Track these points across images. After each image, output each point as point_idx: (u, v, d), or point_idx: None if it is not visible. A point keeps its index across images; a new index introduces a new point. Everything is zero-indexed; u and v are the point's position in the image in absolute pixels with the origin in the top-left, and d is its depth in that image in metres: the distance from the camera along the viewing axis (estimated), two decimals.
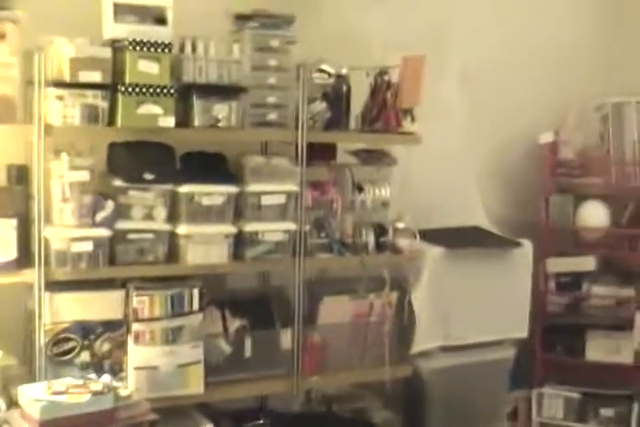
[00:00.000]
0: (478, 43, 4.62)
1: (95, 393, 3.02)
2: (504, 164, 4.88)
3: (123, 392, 3.15)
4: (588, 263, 4.89)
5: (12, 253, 3.31)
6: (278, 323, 3.88)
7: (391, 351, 4.03)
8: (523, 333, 4.48)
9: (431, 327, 4.17)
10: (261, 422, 3.96)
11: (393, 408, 4.24)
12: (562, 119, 4.90)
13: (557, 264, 4.90)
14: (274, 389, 3.92)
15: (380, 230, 4.02)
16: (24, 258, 3.36)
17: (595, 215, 4.93)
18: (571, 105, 4.91)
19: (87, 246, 3.40)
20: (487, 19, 4.68)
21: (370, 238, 3.99)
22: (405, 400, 4.25)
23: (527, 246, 4.45)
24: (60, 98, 3.30)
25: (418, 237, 4.08)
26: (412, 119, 4.00)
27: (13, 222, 3.31)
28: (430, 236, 4.17)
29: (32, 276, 3.35)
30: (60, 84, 3.30)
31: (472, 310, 4.25)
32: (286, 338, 3.86)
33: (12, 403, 3.11)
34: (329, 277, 4.11)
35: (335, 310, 3.97)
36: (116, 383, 3.17)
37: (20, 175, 3.46)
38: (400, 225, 4.05)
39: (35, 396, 2.97)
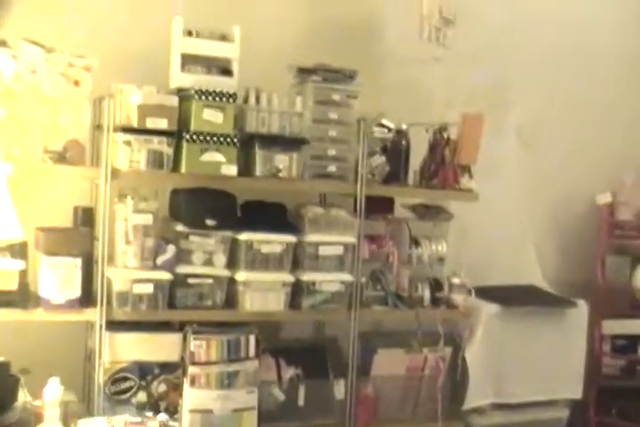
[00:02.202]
0: (536, 100, 4.60)
1: None
2: (561, 223, 4.82)
3: None
4: None
5: (75, 291, 3.32)
6: (332, 373, 3.84)
7: (443, 406, 3.98)
8: (577, 394, 4.37)
9: (484, 384, 4.10)
10: None
11: None
12: (620, 180, 4.84)
13: (613, 326, 4.80)
14: None
15: (436, 285, 4.00)
16: (86, 297, 3.38)
17: None
18: (629, 165, 4.87)
19: (148, 288, 3.42)
20: (546, 76, 4.66)
21: (425, 293, 3.97)
22: None
23: (583, 307, 4.36)
24: (128, 143, 3.35)
25: (473, 293, 4.06)
26: (470, 176, 4.00)
27: (78, 262, 3.33)
28: (485, 292, 4.14)
29: (94, 315, 3.36)
30: (127, 129, 3.36)
31: (526, 369, 4.18)
32: (339, 388, 3.81)
33: None
34: (384, 329, 4.07)
35: (389, 363, 3.92)
36: (172, 423, 3.15)
37: (86, 217, 3.50)
38: (456, 281, 4.02)
39: None
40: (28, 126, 3.25)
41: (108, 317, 3.38)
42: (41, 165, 3.28)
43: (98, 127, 3.42)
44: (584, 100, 4.77)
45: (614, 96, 4.89)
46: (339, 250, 3.74)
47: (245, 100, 3.57)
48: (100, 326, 3.37)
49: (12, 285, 3.26)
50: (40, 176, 3.38)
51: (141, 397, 3.44)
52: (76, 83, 3.31)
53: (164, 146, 3.40)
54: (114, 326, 3.40)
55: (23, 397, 3.22)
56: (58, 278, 3.30)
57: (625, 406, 4.81)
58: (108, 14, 3.71)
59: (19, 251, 3.27)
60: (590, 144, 4.79)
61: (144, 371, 3.45)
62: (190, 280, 3.52)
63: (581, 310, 4.37)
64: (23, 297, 3.31)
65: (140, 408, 3.40)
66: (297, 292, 3.69)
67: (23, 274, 3.31)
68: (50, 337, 3.43)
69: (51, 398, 3.17)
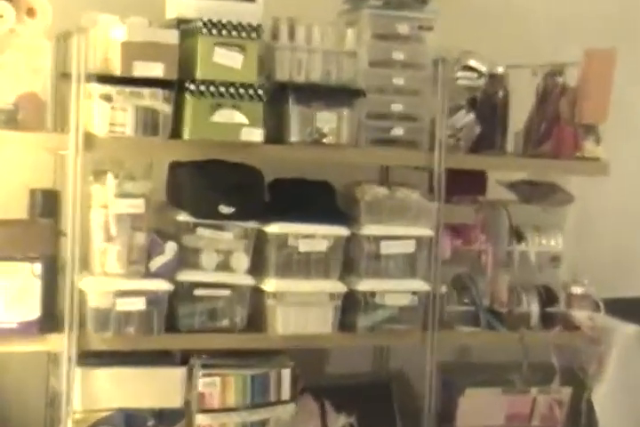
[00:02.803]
0: None
1: None
2: None
3: None
4: None
5: (33, 311, 3.30)
6: (400, 423, 3.86)
7: None
8: None
9: None
10: None
11: None
12: None
13: None
14: None
15: (548, 296, 4.01)
16: (49, 319, 3.35)
17: None
18: None
19: (138, 304, 3.39)
20: None
21: (533, 307, 3.98)
22: None
23: None
24: (107, 98, 3.31)
25: (602, 308, 4.00)
26: (598, 140, 3.95)
27: (37, 269, 3.30)
28: (622, 307, 4.03)
29: (60, 343, 3.34)
30: (106, 78, 3.32)
31: None
32: None
33: None
34: (473, 359, 4.11)
35: (481, 408, 3.93)
36: None
37: (48, 204, 3.47)
38: (576, 290, 4.00)
39: None
40: None
41: (80, 346, 3.36)
42: None
43: (63, 76, 3.39)
44: None
45: None
46: (409, 247, 3.72)
47: (274, 36, 3.56)
48: (69, 359, 3.34)
49: None
50: None
51: None
52: (31, 12, 3.28)
53: (159, 102, 3.37)
54: (89, 358, 3.40)
55: None
56: (8, 292, 3.28)
57: None
58: None
59: None
60: None
61: (132, 423, 3.42)
62: (198, 292, 3.51)
63: None
64: None
65: None
66: (350, 307, 3.67)
67: None
68: None
69: None
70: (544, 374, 3.91)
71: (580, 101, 3.89)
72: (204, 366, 3.47)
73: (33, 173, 3.54)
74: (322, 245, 3.59)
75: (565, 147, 3.92)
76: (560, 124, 3.93)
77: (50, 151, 3.48)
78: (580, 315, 3.94)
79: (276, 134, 3.52)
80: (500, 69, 3.86)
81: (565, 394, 4.00)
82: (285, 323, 3.56)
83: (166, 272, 3.42)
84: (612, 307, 3.99)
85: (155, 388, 3.45)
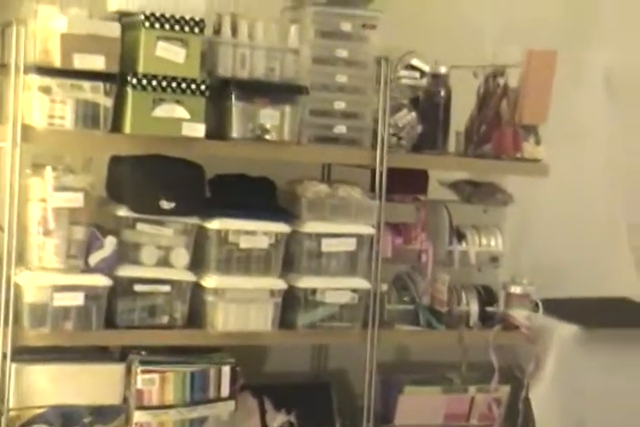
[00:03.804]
0: (632, 39, 4.51)
1: None
2: None
3: None
4: None
5: None
6: (339, 421, 3.82)
7: None
8: None
9: None
10: None
11: None
12: None
13: None
14: None
15: (488, 296, 3.95)
16: None
17: None
18: None
19: (76, 299, 3.31)
20: None
21: (472, 307, 3.92)
22: None
23: None
24: (46, 90, 3.22)
25: (541, 307, 3.98)
26: (537, 141, 3.91)
27: None
28: (559, 308, 4.07)
29: None
30: (45, 70, 3.23)
31: (617, 415, 4.05)
32: None
33: None
34: (413, 359, 4.10)
35: (420, 407, 3.89)
36: None
37: None
38: (515, 290, 3.95)
39: None
40: None
41: (15, 342, 3.27)
42: None
43: (1, 67, 3.31)
44: None
45: None
46: (350, 245, 3.66)
47: (217, 31, 3.51)
48: (4, 356, 3.27)
49: None
50: None
51: None
52: None
53: (99, 95, 3.28)
54: (24, 354, 3.32)
55: None
56: None
57: None
58: None
59: None
60: None
61: (69, 420, 3.36)
62: (138, 287, 3.44)
63: None
64: None
65: None
66: (290, 304, 3.61)
67: None
68: None
69: None
70: (483, 373, 3.88)
71: (521, 102, 3.85)
72: (143, 363, 3.41)
73: None
74: (263, 242, 3.52)
75: (506, 147, 3.86)
76: (501, 124, 3.88)
77: None
78: (519, 315, 3.91)
79: (218, 130, 3.46)
80: (443, 69, 3.82)
81: (503, 393, 3.97)
82: (225, 320, 3.49)
83: (105, 267, 3.34)
84: (550, 307, 4.00)
85: (92, 384, 3.38)
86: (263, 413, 3.67)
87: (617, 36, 4.48)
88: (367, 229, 3.64)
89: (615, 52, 4.49)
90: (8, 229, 3.25)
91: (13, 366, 3.26)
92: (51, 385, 3.33)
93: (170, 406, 3.41)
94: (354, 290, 3.64)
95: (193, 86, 3.33)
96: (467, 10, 4.14)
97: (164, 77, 3.30)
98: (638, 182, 4.62)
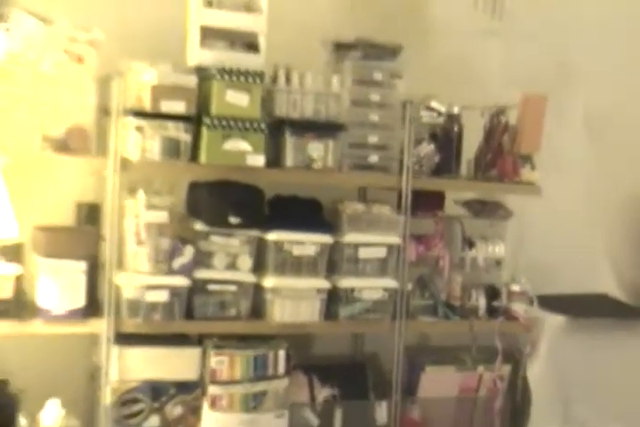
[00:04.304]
0: (608, 83, 4.47)
1: None
2: (637, 221, 4.67)
3: None
4: None
5: (79, 300, 3.26)
6: (373, 394, 3.79)
7: None
8: None
9: (549, 408, 3.99)
10: None
11: None
12: None
13: None
14: None
15: (493, 293, 3.94)
16: (92, 307, 3.31)
17: None
18: None
19: (162, 296, 3.36)
20: (619, 57, 4.52)
21: (481, 302, 3.91)
22: None
23: None
24: (139, 129, 3.28)
25: (535, 302, 3.97)
26: (532, 167, 3.92)
27: (82, 266, 3.27)
28: (550, 302, 4.03)
29: (100, 327, 3.30)
30: (139, 113, 3.28)
31: (598, 391, 4.04)
32: (382, 412, 3.74)
33: None
34: (432, 344, 4.04)
35: (438, 383, 3.86)
36: None
37: (91, 214, 3.44)
38: (515, 288, 3.95)
39: None
40: (25, 110, 3.17)
41: (116, 329, 3.32)
42: (40, 154, 3.22)
43: (105, 111, 3.34)
44: None
45: None
46: (381, 252, 3.68)
47: (274, 80, 3.51)
48: (108, 340, 3.31)
49: (6, 292, 3.20)
50: (38, 167, 3.32)
51: (154, 421, 3.38)
52: (80, 59, 3.24)
53: (181, 132, 3.33)
54: (123, 339, 3.34)
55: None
56: (59, 285, 3.24)
57: None
58: None
59: (14, 253, 3.22)
60: None
61: (157, 391, 3.39)
62: (211, 287, 3.46)
63: None
64: (19, 306, 3.24)
65: None
66: (333, 300, 3.62)
67: (19, 280, 3.24)
68: (49, 352, 3.39)
69: (50, 422, 3.14)
70: (489, 355, 3.87)
71: (519, 136, 3.86)
72: (216, 347, 3.42)
73: (79, 190, 3.50)
74: (311, 250, 3.54)
75: (507, 172, 3.88)
76: (503, 154, 3.88)
77: (93, 172, 3.43)
78: (518, 308, 3.92)
79: (275, 160, 3.48)
80: (456, 110, 3.82)
81: (505, 371, 3.95)
82: (281, 313, 3.51)
83: (185, 271, 3.38)
84: (543, 301, 3.99)
85: (176, 364, 3.41)
86: (312, 387, 3.66)
87: (595, 83, 4.41)
88: (395, 240, 3.65)
89: (594, 96, 4.43)
90: (109, 240, 3.29)
91: (115, 348, 3.29)
92: (143, 364, 3.34)
93: (237, 382, 3.41)
94: (384, 289, 3.65)
95: (255, 125, 3.35)
96: (475, 62, 4.10)
97: (232, 118, 3.32)
98: (612, 201, 4.56)
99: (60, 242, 3.28)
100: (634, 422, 4.11)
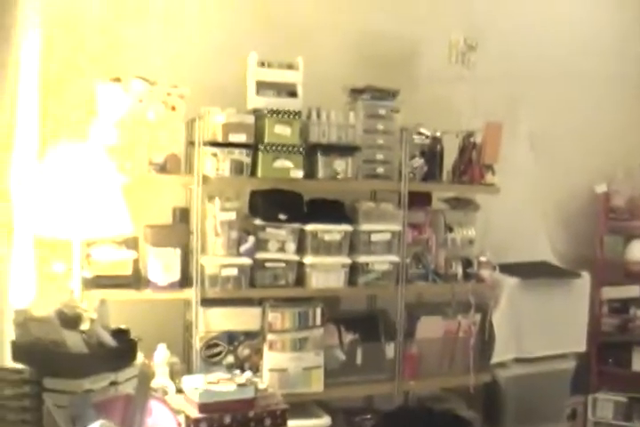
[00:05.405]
0: (544, 111, 4.44)
1: (240, 385, 2.94)
2: (566, 210, 4.65)
3: (260, 386, 3.04)
4: (635, 291, 4.67)
5: (175, 275, 3.24)
6: (383, 337, 3.72)
7: (474, 362, 3.84)
8: (581, 348, 4.22)
9: (507, 343, 3.96)
10: (368, 417, 3.80)
11: (475, 408, 3.98)
12: (613, 173, 4.70)
13: (610, 292, 4.66)
14: (379, 390, 3.75)
15: (467, 263, 3.84)
16: (184, 280, 3.28)
17: None
18: (620, 162, 4.71)
19: (233, 272, 3.31)
20: (552, 92, 4.47)
21: (458, 270, 3.81)
22: (485, 402, 4.02)
23: (585, 277, 4.22)
24: (214, 155, 3.24)
25: (497, 269, 3.92)
26: (493, 173, 3.84)
27: (177, 252, 3.25)
28: (507, 268, 4.00)
29: (190, 294, 3.28)
30: (214, 143, 3.24)
31: (541, 329, 4.04)
32: (390, 350, 3.68)
33: (177, 390, 3.08)
34: (425, 301, 3.95)
35: (430, 328, 3.79)
36: (255, 379, 3.06)
37: (183, 215, 3.40)
38: (483, 259, 3.85)
39: (195, 385, 2.93)
40: (137, 145, 3.17)
41: (202, 295, 3.28)
42: (147, 175, 3.19)
43: (191, 143, 3.30)
44: (583, 112, 4.62)
45: (608, 108, 4.74)
46: (387, 236, 3.60)
47: (308, 117, 3.44)
48: (196, 303, 3.28)
49: (127, 270, 3.21)
50: (146, 184, 3.27)
51: (230, 359, 3.35)
52: (173, 108, 3.21)
53: (243, 156, 3.28)
54: (207, 302, 3.30)
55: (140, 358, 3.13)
56: (162, 265, 3.23)
57: (619, 357, 4.72)
58: (199, 53, 3.62)
59: (132, 244, 3.21)
60: (588, 146, 4.61)
61: (232, 338, 3.35)
62: (267, 264, 3.40)
63: (584, 280, 4.22)
64: (136, 280, 3.24)
65: (229, 368, 3.29)
66: (354, 272, 3.54)
67: (136, 262, 3.24)
68: (156, 312, 3.33)
69: (160, 359, 3.17)
70: (465, 308, 3.81)
71: (483, 151, 3.79)
72: (272, 307, 3.38)
73: (174, 198, 3.47)
74: (337, 237, 3.48)
75: (475, 178, 3.82)
76: (472, 165, 3.81)
77: (183, 186, 3.41)
78: (485, 273, 3.85)
79: (310, 173, 3.42)
80: (438, 134, 3.76)
81: (477, 318, 3.87)
82: (316, 281, 3.45)
83: (249, 253, 3.34)
84: (503, 268, 3.96)
85: (244, 319, 3.37)
86: (340, 334, 3.59)
87: (536, 112, 4.41)
88: (397, 227, 3.59)
89: (535, 122, 4.42)
90: (196, 233, 3.27)
91: (201, 309, 3.27)
92: (221, 319, 3.31)
93: (287, 331, 3.37)
94: (390, 262, 3.58)
95: (295, 149, 3.31)
96: (451, 100, 4.00)
97: (279, 145, 3.28)
98: (549, 196, 4.54)
99: (162, 235, 3.26)
100: (564, 348, 4.17)
